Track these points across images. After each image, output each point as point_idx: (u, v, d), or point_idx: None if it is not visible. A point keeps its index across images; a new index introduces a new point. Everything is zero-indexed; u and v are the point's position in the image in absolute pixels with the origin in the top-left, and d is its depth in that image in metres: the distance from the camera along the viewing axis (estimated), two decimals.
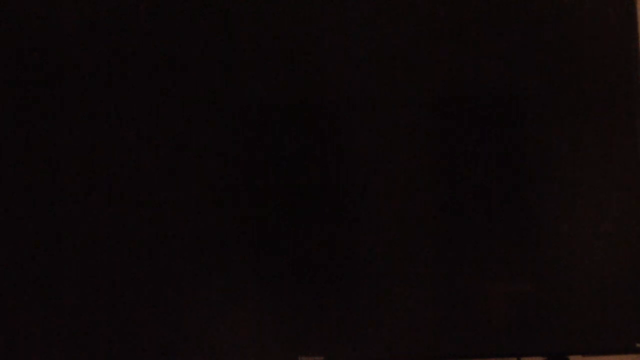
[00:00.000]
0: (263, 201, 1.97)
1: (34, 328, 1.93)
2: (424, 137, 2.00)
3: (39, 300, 1.94)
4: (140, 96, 1.99)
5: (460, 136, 2.00)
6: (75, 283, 1.94)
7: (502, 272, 1.98)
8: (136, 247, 1.96)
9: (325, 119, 2.00)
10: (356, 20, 2.02)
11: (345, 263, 1.96)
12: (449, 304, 1.96)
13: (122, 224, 1.96)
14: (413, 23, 2.02)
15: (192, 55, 2.00)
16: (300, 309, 1.95)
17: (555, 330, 1.97)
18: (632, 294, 1.97)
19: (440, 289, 1.97)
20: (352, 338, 1.95)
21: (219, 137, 1.98)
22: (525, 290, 1.97)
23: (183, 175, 1.97)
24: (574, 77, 2.02)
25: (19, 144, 1.97)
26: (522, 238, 1.98)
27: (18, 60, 1.99)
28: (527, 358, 1.98)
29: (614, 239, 1.98)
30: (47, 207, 1.96)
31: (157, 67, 1.99)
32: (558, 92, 2.02)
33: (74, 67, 1.99)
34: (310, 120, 1.99)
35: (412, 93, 2.01)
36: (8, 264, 1.94)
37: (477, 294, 1.97)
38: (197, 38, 2.00)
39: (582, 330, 1.97)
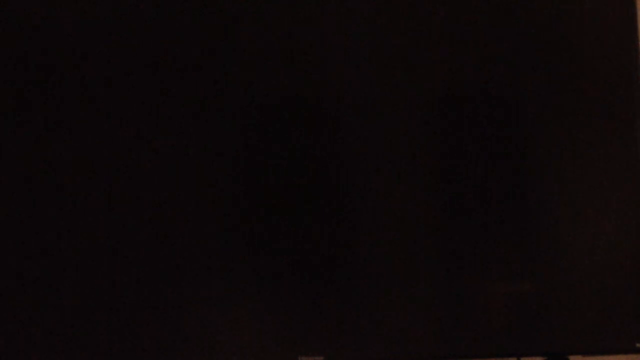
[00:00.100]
0: (263, 201, 1.97)
1: (34, 328, 1.93)
2: (424, 137, 2.00)
3: (39, 300, 1.94)
4: (140, 96, 1.99)
5: (460, 136, 2.00)
6: (76, 283, 1.94)
7: (502, 272, 1.98)
8: (136, 247, 1.95)
9: (325, 118, 2.00)
10: (356, 20, 2.02)
11: (345, 263, 1.97)
12: (449, 304, 1.96)
13: (122, 224, 1.96)
14: (413, 23, 2.02)
15: (192, 55, 2.00)
16: (300, 309, 1.95)
17: (555, 330, 1.97)
18: (632, 294, 1.97)
19: (440, 289, 1.97)
20: (352, 338, 1.95)
21: (218, 137, 1.98)
22: (525, 290, 1.97)
23: (183, 174, 1.97)
24: (574, 77, 2.02)
25: (19, 144, 1.97)
26: (522, 238, 1.98)
27: (18, 60, 1.99)
28: (527, 358, 1.98)
29: (614, 239, 1.98)
30: (47, 207, 1.96)
31: (156, 67, 1.99)
32: (558, 92, 2.02)
33: (74, 66, 1.99)
34: (310, 120, 1.99)
35: (412, 92, 2.01)
36: (8, 264, 1.94)
37: (477, 294, 1.97)
38: (197, 38, 2.00)
39: (582, 330, 1.97)
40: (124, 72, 1.99)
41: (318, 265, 1.96)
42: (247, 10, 2.01)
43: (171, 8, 2.00)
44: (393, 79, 2.01)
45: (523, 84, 2.02)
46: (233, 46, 2.00)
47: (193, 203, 1.97)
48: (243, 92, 2.00)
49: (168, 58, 1.99)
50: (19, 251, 1.95)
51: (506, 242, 1.98)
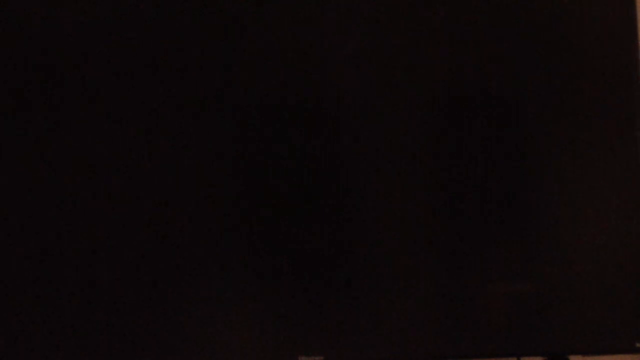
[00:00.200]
0: (263, 201, 1.97)
1: (34, 328, 1.93)
2: (424, 137, 2.00)
3: (39, 300, 1.94)
4: (141, 97, 1.99)
5: (461, 136, 2.00)
6: (76, 283, 1.94)
7: (502, 272, 1.98)
8: (136, 247, 1.95)
9: (325, 119, 2.00)
10: (357, 21, 2.02)
11: (345, 263, 1.96)
12: (449, 304, 1.96)
13: (123, 224, 1.96)
14: (413, 23, 2.02)
15: (193, 56, 2.00)
16: (300, 309, 1.95)
17: (555, 330, 1.97)
18: (632, 294, 1.97)
19: (440, 289, 1.97)
20: (352, 338, 1.95)
21: (219, 137, 1.98)
22: (525, 290, 1.97)
23: (183, 175, 1.97)
24: (574, 77, 2.02)
25: (19, 144, 1.97)
26: (522, 238, 1.98)
27: (18, 60, 1.99)
28: (527, 358, 1.98)
29: (614, 239, 1.98)
30: (47, 207, 1.96)
31: (157, 68, 1.99)
32: (558, 92, 2.02)
33: (74, 66, 1.98)
34: (310, 121, 1.99)
35: (412, 93, 2.01)
36: (8, 264, 1.94)
37: (477, 294, 1.97)
38: (197, 38, 2.00)
39: (582, 330, 1.97)
40: (125, 73, 1.99)
41: (318, 265, 1.96)
42: (248, 11, 2.01)
43: (172, 8, 2.00)
44: (393, 79, 2.01)
45: (523, 84, 2.02)
46: (234, 47, 2.00)
47: (193, 203, 1.97)
48: (243, 92, 2.00)
49: (168, 59, 1.99)
50: (19, 251, 1.95)
51: (506, 242, 1.98)
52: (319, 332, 1.95)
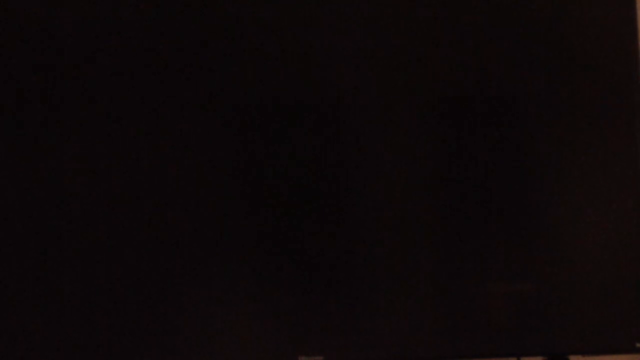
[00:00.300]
0: (263, 201, 1.97)
1: (34, 328, 1.93)
2: (425, 138, 2.00)
3: (39, 300, 1.94)
4: (140, 96, 1.99)
5: (461, 136, 2.00)
6: (76, 283, 1.94)
7: (502, 272, 1.98)
8: (136, 247, 1.95)
9: (325, 119, 2.00)
10: (357, 20, 2.02)
11: (345, 263, 1.96)
12: (449, 303, 1.96)
13: (123, 224, 1.96)
14: (413, 23, 2.02)
15: (193, 56, 2.00)
16: (300, 309, 1.95)
17: (555, 330, 1.96)
18: (632, 294, 1.97)
19: (440, 289, 1.97)
20: (352, 338, 1.95)
21: (219, 138, 1.98)
22: (525, 290, 1.97)
23: (184, 175, 1.97)
24: (574, 77, 2.02)
25: (19, 144, 1.97)
26: (522, 238, 1.98)
27: (18, 60, 1.99)
28: (527, 358, 1.98)
29: (614, 239, 1.98)
30: (48, 207, 1.96)
31: (157, 67, 1.99)
32: (558, 92, 2.02)
33: (74, 66, 1.98)
34: (310, 120, 1.99)
35: (412, 93, 2.01)
36: (8, 264, 1.94)
37: (477, 294, 1.97)
38: (197, 38, 2.00)
39: (582, 330, 1.97)
40: (125, 72, 1.99)
41: (318, 265, 1.96)
42: (248, 11, 2.01)
43: (171, 9, 2.00)
44: (393, 79, 2.01)
45: (523, 84, 2.02)
46: (234, 47, 2.00)
47: (193, 203, 1.97)
48: (243, 93, 2.00)
49: (168, 58, 1.99)
50: (19, 251, 1.94)
51: (506, 242, 1.98)
52: (319, 332, 1.95)
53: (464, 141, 2.00)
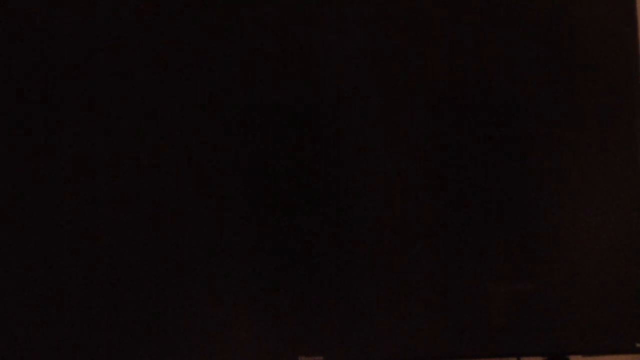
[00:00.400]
0: (263, 201, 1.97)
1: (34, 328, 1.93)
2: (425, 138, 2.00)
3: (39, 300, 1.94)
4: (140, 96, 1.99)
5: (461, 136, 2.00)
6: (76, 283, 1.94)
7: (502, 272, 1.98)
8: (137, 247, 1.95)
9: (325, 119, 2.00)
10: (357, 20, 2.02)
11: (345, 263, 1.96)
12: (449, 304, 1.96)
13: (123, 224, 1.96)
14: (413, 23, 2.02)
15: (193, 56, 2.00)
16: (300, 309, 1.95)
17: (555, 330, 1.96)
18: (632, 294, 1.97)
19: (440, 289, 1.97)
20: (352, 338, 1.95)
21: (219, 138, 1.98)
22: (525, 290, 1.97)
23: (183, 175, 1.97)
24: (574, 77, 2.02)
25: (19, 144, 1.97)
26: (522, 238, 1.98)
27: (18, 60, 1.99)
28: (527, 358, 1.98)
29: (614, 239, 1.98)
30: (48, 207, 1.96)
31: (157, 67, 1.99)
32: (558, 92, 2.02)
33: (74, 66, 1.99)
34: (310, 121, 1.99)
35: (413, 93, 2.01)
36: (9, 264, 1.94)
37: (477, 294, 1.97)
38: (197, 38, 2.00)
39: (582, 330, 1.96)
40: (125, 72, 1.99)
41: (318, 265, 1.96)
42: (248, 11, 2.01)
43: (172, 8, 2.00)
44: (393, 79, 2.01)
45: (523, 83, 2.01)
46: (234, 47, 2.00)
47: (194, 203, 1.97)
48: (243, 93, 2.00)
49: (168, 59, 1.99)
50: (20, 251, 1.95)
51: (506, 242, 1.98)
52: (319, 332, 1.95)
53: (463, 141, 2.00)
